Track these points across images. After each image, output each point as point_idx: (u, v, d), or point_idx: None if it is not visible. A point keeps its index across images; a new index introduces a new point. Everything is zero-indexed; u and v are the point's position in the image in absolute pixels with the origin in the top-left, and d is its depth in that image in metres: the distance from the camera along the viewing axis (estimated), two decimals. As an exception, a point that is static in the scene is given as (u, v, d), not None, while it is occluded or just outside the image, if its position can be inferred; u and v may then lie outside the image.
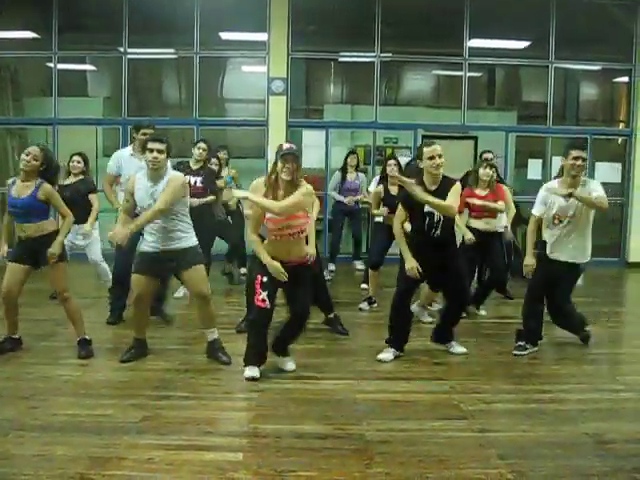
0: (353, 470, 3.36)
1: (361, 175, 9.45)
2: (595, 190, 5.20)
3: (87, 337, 5.30)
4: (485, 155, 7.97)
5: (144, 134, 5.91)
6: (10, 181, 5.20)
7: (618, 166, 10.96)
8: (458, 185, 5.13)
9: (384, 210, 6.75)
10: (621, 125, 11.75)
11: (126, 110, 10.75)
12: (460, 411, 4.22)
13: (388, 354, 5.32)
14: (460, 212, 6.76)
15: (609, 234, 10.92)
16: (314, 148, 10.79)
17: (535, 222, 5.50)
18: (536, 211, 5.47)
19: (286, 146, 4.66)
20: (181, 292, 7.44)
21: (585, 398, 4.51)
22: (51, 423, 3.86)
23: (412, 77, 12.87)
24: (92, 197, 6.88)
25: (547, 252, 5.44)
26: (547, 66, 10.88)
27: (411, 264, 5.10)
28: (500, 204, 6.62)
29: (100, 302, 6.85)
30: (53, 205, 5.13)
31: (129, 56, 10.68)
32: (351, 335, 5.84)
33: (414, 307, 6.55)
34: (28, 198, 5.03)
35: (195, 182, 7.16)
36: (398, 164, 7.04)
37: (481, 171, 6.67)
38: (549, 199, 5.35)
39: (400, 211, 5.30)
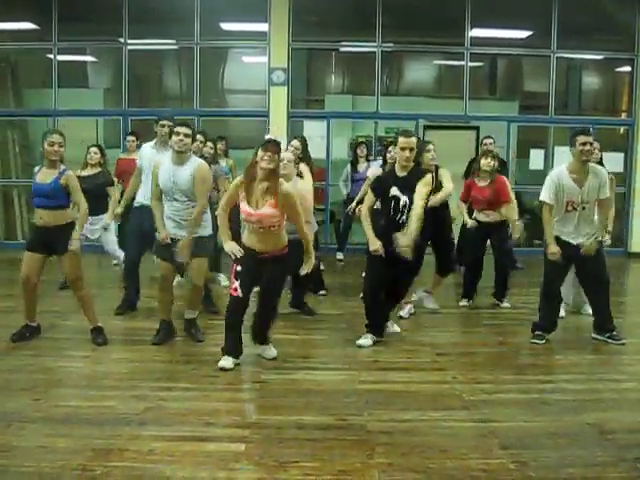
0: (355, 461, 3.35)
1: (373, 164, 9.23)
2: (604, 184, 5.29)
3: (100, 325, 5.34)
4: (485, 141, 7.89)
5: (162, 125, 5.97)
6: (36, 169, 5.20)
7: (620, 156, 10.92)
8: (429, 177, 5.11)
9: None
10: (623, 114, 11.72)
11: (126, 101, 10.75)
12: (462, 401, 4.22)
13: (366, 340, 5.36)
14: (464, 201, 6.78)
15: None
16: (315, 139, 10.75)
17: (549, 210, 5.39)
18: (547, 199, 5.36)
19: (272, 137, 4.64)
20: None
21: (587, 388, 4.51)
22: (53, 415, 3.86)
23: (413, 67, 12.82)
24: (110, 189, 7.00)
25: (563, 238, 5.41)
26: (549, 56, 10.84)
27: (375, 245, 5.10)
28: (505, 211, 6.56)
29: (103, 293, 6.86)
30: (72, 191, 5.09)
31: (129, 47, 10.68)
32: (352, 326, 5.83)
33: (419, 292, 6.54)
34: (53, 183, 5.02)
35: None
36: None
37: (482, 161, 6.62)
38: (558, 186, 5.29)
39: (369, 196, 5.34)
